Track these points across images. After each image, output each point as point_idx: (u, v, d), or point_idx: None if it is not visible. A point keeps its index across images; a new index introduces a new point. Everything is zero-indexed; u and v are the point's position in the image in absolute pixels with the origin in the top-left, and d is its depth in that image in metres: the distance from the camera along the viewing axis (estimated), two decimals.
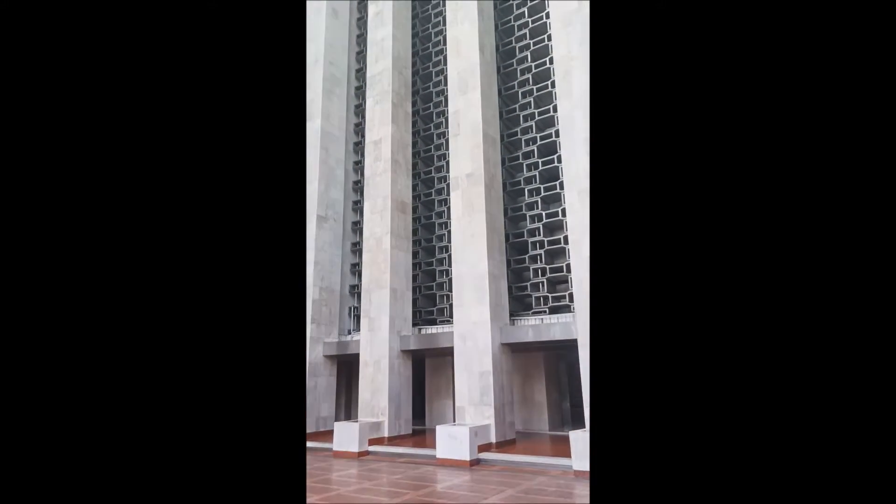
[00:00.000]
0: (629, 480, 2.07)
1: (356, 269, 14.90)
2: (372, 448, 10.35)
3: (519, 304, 11.53)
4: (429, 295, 13.06)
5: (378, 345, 11.85)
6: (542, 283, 11.16)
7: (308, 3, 16.63)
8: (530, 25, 12.67)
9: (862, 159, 2.05)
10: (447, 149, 13.01)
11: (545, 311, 10.90)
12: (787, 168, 2.14)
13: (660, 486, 2.04)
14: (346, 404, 15.34)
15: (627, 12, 2.38)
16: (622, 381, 2.16)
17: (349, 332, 14.30)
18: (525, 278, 11.57)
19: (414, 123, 14.31)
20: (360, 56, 16.69)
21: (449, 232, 12.35)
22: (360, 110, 16.23)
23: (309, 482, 7.38)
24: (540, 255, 11.28)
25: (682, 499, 2.00)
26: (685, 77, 2.30)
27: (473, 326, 10.37)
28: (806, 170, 2.12)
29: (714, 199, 2.19)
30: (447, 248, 12.64)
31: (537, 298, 11.16)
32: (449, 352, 11.68)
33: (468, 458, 8.67)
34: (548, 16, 12.23)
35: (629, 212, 2.29)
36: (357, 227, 15.26)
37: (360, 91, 16.30)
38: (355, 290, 14.77)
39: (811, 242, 2.07)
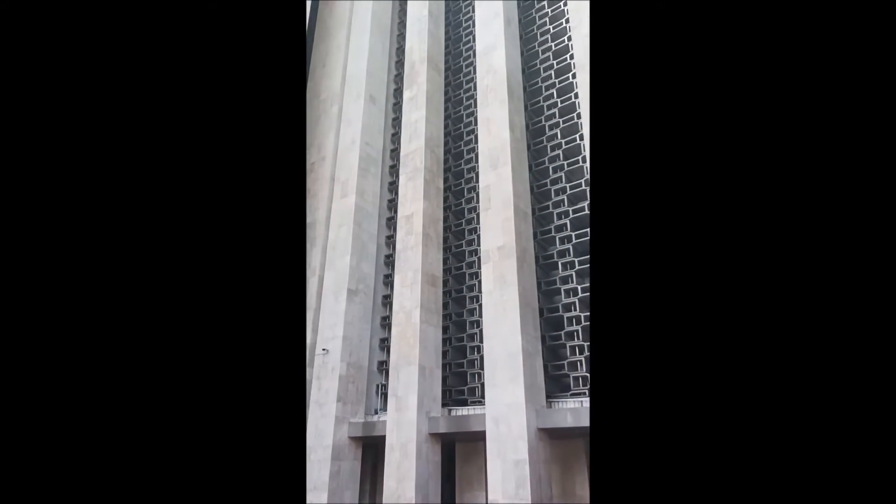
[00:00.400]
0: None
1: (385, 345, 14.52)
2: None
3: (556, 384, 10.78)
4: (459, 373, 12.44)
5: (405, 427, 11.16)
6: (581, 361, 10.46)
7: (348, 89, 17.83)
8: (559, 105, 13.02)
9: (860, 159, 2.06)
10: (478, 222, 13.01)
11: (584, 393, 10.10)
12: (800, 204, 2.16)
13: None
14: (371, 492, 14.28)
15: (626, 78, 2.51)
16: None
17: (376, 412, 13.64)
18: (562, 356, 10.91)
19: (445, 198, 14.52)
20: (395, 137, 17.47)
21: (480, 306, 11.99)
22: (393, 187, 16.70)
23: None
24: (577, 331, 10.69)
25: None
26: (680, 135, 2.38)
27: (507, 409, 9.65)
28: (814, 196, 2.14)
29: (723, 276, 2.24)
30: (478, 323, 12.20)
31: (575, 378, 10.41)
32: (481, 436, 10.85)
33: None
34: (576, 95, 12.57)
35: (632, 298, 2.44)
36: (387, 300, 15.09)
37: (394, 169, 16.87)
38: (383, 367, 14.29)
39: (817, 275, 2.13)
